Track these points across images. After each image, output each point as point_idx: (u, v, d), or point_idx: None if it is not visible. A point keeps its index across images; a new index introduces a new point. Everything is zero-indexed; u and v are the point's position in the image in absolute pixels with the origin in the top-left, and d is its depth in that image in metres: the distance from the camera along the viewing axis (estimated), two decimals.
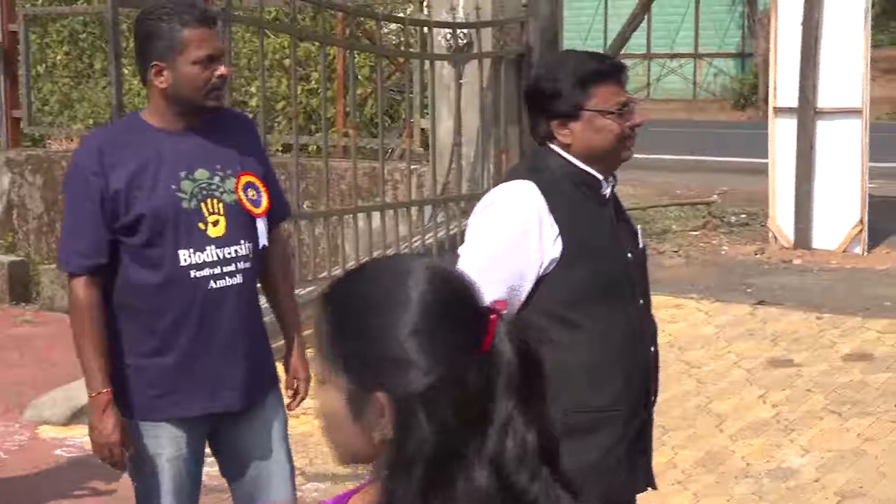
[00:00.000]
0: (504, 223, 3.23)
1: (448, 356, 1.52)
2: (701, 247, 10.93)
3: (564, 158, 3.28)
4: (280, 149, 11.74)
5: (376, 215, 9.11)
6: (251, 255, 3.75)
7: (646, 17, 29.71)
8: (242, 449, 3.85)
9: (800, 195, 10.72)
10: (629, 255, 3.34)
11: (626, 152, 3.31)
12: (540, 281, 3.20)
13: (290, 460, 3.95)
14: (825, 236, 10.63)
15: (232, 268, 3.68)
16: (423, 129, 10.53)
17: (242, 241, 3.71)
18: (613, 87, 3.25)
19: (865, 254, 10.45)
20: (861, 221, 10.54)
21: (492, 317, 1.55)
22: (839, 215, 10.60)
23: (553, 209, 3.19)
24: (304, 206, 9.77)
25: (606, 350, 3.23)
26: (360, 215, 9.17)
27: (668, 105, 29.22)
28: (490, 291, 3.13)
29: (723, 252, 10.76)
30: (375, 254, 8.99)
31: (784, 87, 10.94)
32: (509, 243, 3.20)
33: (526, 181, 3.25)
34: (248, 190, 3.73)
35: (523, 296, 3.20)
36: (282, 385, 4.00)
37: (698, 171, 16.25)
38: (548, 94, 3.27)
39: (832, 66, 10.69)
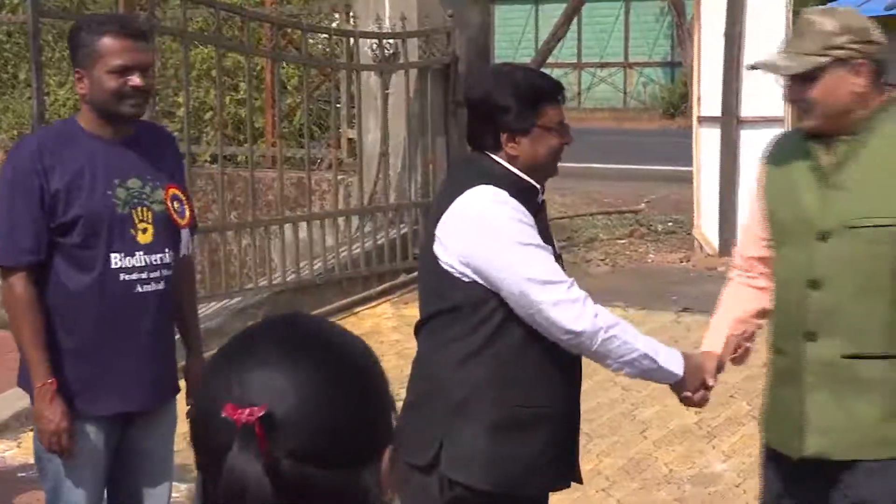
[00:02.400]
0: (517, 217, 3.32)
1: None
2: (628, 255, 11.01)
3: (505, 167, 3.39)
4: (208, 159, 11.70)
5: (304, 226, 9.09)
6: (173, 264, 3.92)
7: (576, 26, 30.00)
8: (145, 449, 3.98)
9: (724, 204, 10.83)
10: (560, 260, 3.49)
11: (556, 167, 3.47)
12: None
13: (173, 467, 4.14)
14: None
15: (157, 274, 3.85)
16: (350, 140, 10.53)
17: (167, 250, 3.88)
18: (557, 105, 3.41)
19: None
20: None
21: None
22: None
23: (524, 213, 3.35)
24: (232, 216, 9.75)
25: (551, 350, 3.34)
26: (288, 226, 9.15)
27: (599, 114, 29.44)
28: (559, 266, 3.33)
29: (649, 260, 10.86)
30: (302, 264, 8.98)
31: (708, 96, 11.06)
32: (532, 229, 3.33)
33: (486, 186, 3.34)
34: (175, 201, 3.92)
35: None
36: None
37: (627, 180, 16.37)
38: (500, 108, 3.37)
39: (755, 75, 10.80)
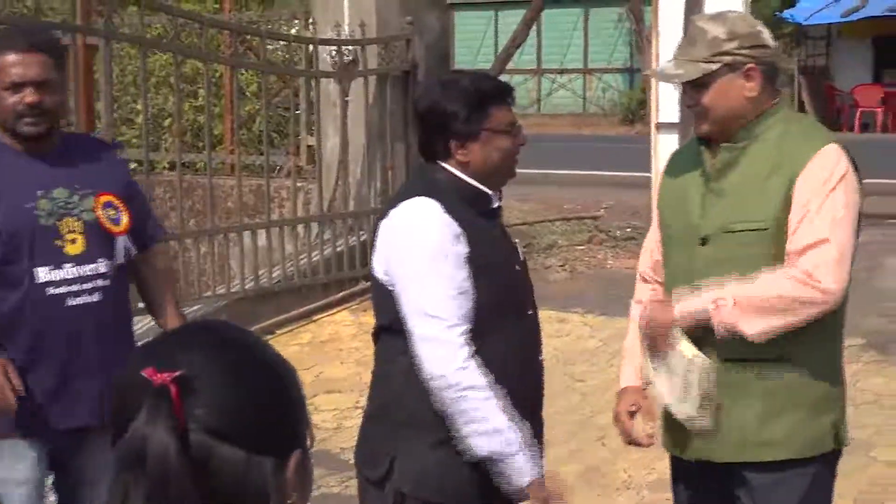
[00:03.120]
0: (433, 240, 3.26)
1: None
2: (586, 261, 11.04)
3: (456, 175, 3.34)
4: (167, 166, 11.66)
5: (263, 233, 9.07)
6: (110, 274, 3.77)
7: (536, 33, 30.08)
8: (89, 466, 3.82)
9: None
10: (517, 267, 3.44)
11: (513, 173, 3.45)
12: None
13: None
14: None
15: (90, 285, 3.71)
16: (309, 147, 10.52)
17: (101, 259, 3.74)
18: (506, 107, 3.37)
19: None
20: None
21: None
22: None
23: (460, 224, 3.27)
24: (191, 223, 9.71)
25: (503, 360, 3.29)
26: (247, 233, 9.12)
27: (558, 120, 29.54)
28: (455, 309, 3.21)
29: (608, 266, 10.89)
30: (261, 272, 8.96)
31: (666, 102, 11.12)
32: (442, 258, 3.24)
33: (426, 199, 3.30)
34: (108, 209, 3.78)
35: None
36: None
37: (586, 186, 16.41)
38: (448, 115, 3.34)
39: None
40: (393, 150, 9.76)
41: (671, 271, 3.49)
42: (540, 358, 3.49)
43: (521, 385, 3.36)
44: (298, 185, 9.67)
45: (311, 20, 10.12)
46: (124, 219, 3.82)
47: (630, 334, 3.75)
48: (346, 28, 9.57)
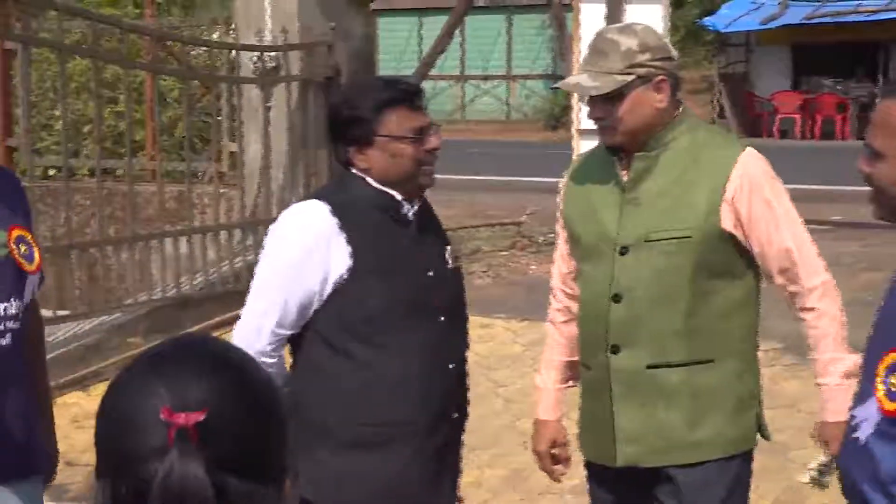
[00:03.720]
0: (288, 244, 3.32)
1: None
2: (510, 266, 11.09)
3: (365, 181, 3.33)
4: (87, 173, 11.53)
5: (185, 240, 9.01)
6: (20, 315, 3.26)
7: (460, 38, 30.15)
8: None
9: None
10: (430, 273, 3.39)
11: (424, 178, 3.37)
12: (333, 298, 3.29)
13: None
14: None
15: (1, 327, 3.20)
16: (232, 153, 10.46)
17: (12, 299, 3.23)
18: (407, 112, 3.30)
19: None
20: None
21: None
22: None
23: (344, 229, 3.26)
24: (111, 230, 9.62)
25: (403, 367, 3.30)
26: (168, 240, 9.05)
27: (482, 126, 29.64)
28: (280, 311, 3.25)
29: (531, 271, 10.94)
30: (183, 279, 8.89)
31: (587, 109, 11.19)
32: (293, 263, 3.28)
33: (317, 201, 3.34)
34: (20, 244, 3.28)
35: (311, 312, 3.31)
36: None
37: (510, 192, 16.47)
38: (345, 121, 3.32)
39: None
40: (316, 156, 9.74)
41: (588, 283, 3.49)
42: (451, 366, 3.43)
43: (426, 390, 3.34)
44: (221, 191, 9.62)
45: (232, 26, 10.07)
46: (36, 256, 3.33)
47: (545, 364, 3.77)
48: (268, 34, 9.54)
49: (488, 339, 8.41)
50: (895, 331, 2.59)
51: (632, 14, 10.95)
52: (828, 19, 25.04)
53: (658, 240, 3.34)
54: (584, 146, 11.19)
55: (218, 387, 1.46)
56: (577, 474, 6.24)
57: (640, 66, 3.32)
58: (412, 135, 3.29)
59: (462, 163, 18.33)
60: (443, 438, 3.42)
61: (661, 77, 3.35)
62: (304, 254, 3.27)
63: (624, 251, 3.38)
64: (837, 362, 3.36)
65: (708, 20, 27.09)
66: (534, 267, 11.11)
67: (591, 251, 3.47)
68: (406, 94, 3.32)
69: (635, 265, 3.37)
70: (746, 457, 3.53)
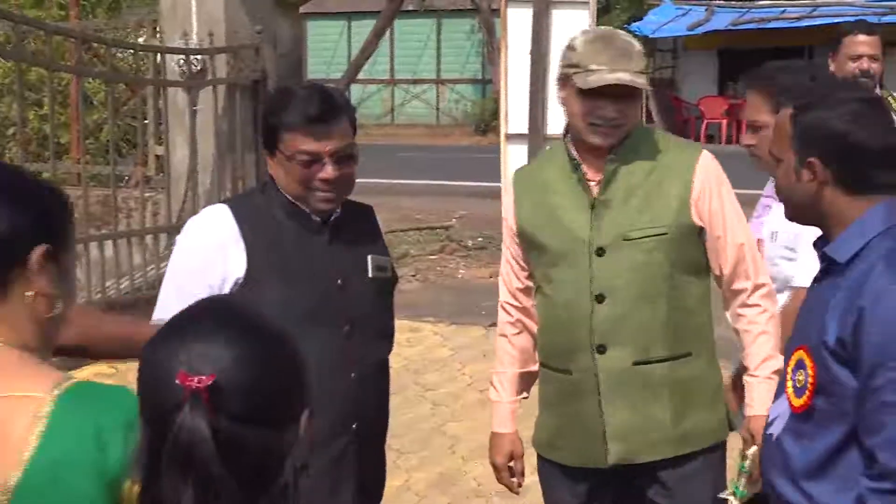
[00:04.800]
0: (188, 247, 3.36)
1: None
2: (438, 270, 11.11)
3: (275, 186, 3.33)
4: None
5: (110, 244, 8.92)
6: None
7: (389, 43, 30.14)
8: None
9: None
10: (339, 282, 3.35)
11: (316, 203, 3.31)
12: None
13: None
14: None
15: None
16: (158, 156, 10.38)
17: None
18: (304, 137, 3.23)
19: None
20: None
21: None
22: None
23: (244, 234, 3.27)
24: None
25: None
26: (93, 244, 8.95)
27: (412, 130, 29.66)
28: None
29: (459, 275, 10.97)
30: (109, 283, 8.80)
31: (515, 114, 11.24)
32: (191, 269, 3.31)
33: (221, 206, 3.40)
34: None
35: None
36: None
37: (439, 195, 16.51)
38: (264, 127, 3.33)
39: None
40: (243, 160, 9.69)
41: (562, 288, 3.49)
42: (351, 375, 3.36)
43: (327, 399, 3.23)
44: (147, 195, 9.54)
45: (158, 28, 10.00)
46: None
47: (498, 378, 3.76)
48: (195, 37, 9.47)
49: (417, 343, 8.42)
50: (807, 329, 2.67)
51: (559, 19, 11.01)
52: (753, 25, 25.31)
53: (636, 238, 3.39)
54: (511, 151, 11.24)
55: (231, 349, 1.62)
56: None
57: (647, 68, 3.44)
58: (304, 159, 3.24)
59: (391, 167, 18.32)
60: (339, 450, 3.35)
61: None
62: (201, 259, 3.29)
63: (601, 252, 3.41)
64: (772, 359, 3.43)
65: (636, 26, 27.26)
66: (462, 271, 11.14)
67: (561, 256, 3.47)
68: (306, 120, 3.23)
69: (615, 264, 3.40)
70: (723, 446, 3.62)
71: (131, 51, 10.23)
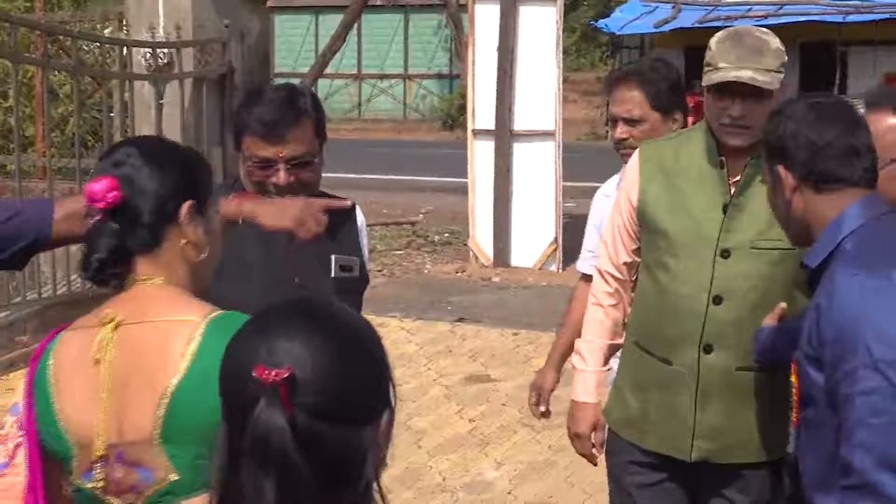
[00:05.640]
0: None
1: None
2: (405, 266, 11.12)
3: (238, 180, 3.37)
4: None
5: None
6: None
7: (357, 38, 30.10)
8: None
9: (498, 215, 11.04)
10: (297, 280, 3.34)
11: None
12: None
13: None
14: (523, 254, 10.99)
15: None
16: None
17: None
18: (259, 141, 3.25)
19: (560, 271, 10.86)
20: (556, 240, 10.94)
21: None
22: (535, 234, 10.98)
23: None
24: None
25: None
26: None
27: (379, 125, 29.64)
28: None
29: (426, 271, 10.98)
30: (74, 277, 8.77)
31: (482, 109, 11.27)
32: None
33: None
34: None
35: None
36: None
37: (406, 191, 16.51)
38: (236, 122, 3.35)
39: (527, 90, 11.08)
40: (210, 153, 9.65)
41: (680, 279, 3.46)
42: None
43: None
44: None
45: (124, 21, 9.95)
46: None
47: (586, 345, 3.76)
48: (161, 30, 9.43)
49: (383, 338, 8.42)
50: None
51: (526, 15, 11.04)
52: (719, 23, 25.41)
53: (764, 248, 3.36)
54: (478, 146, 11.27)
55: (310, 345, 1.64)
56: (469, 472, 6.31)
57: (784, 66, 3.33)
58: (257, 164, 3.26)
59: (358, 162, 18.31)
60: None
61: (783, 81, 3.38)
62: None
63: (726, 254, 3.39)
64: None
65: (602, 22, 27.31)
66: (428, 266, 11.16)
67: (683, 249, 3.44)
68: (261, 126, 3.25)
69: (738, 269, 3.38)
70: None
71: (97, 43, 10.17)
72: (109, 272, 2.27)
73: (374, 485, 1.69)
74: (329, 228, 3.44)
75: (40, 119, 11.21)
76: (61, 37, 10.53)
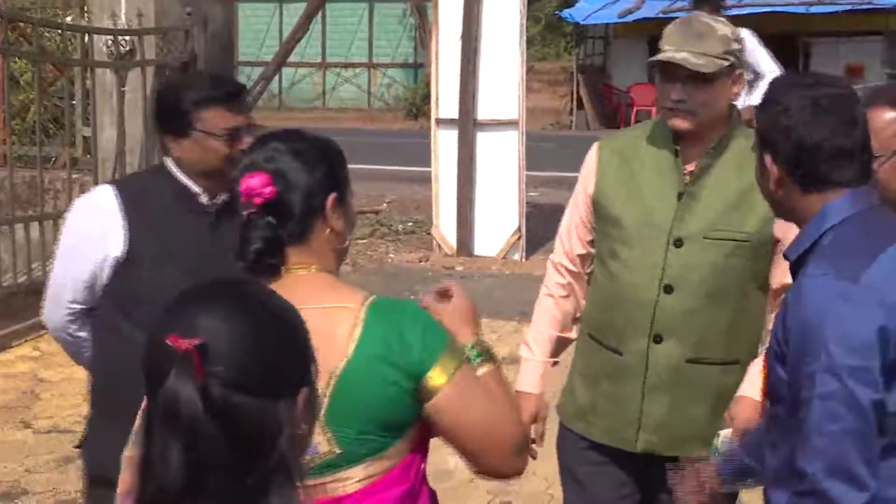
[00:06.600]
0: (72, 226, 3.51)
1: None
2: (368, 255, 11.11)
3: (167, 170, 3.46)
4: None
5: (36, 226, 8.83)
6: None
7: (321, 26, 30.01)
8: None
9: (462, 204, 11.05)
10: (219, 265, 3.40)
11: (229, 173, 3.45)
12: (112, 279, 3.42)
13: None
14: (486, 243, 11.00)
15: None
16: (86, 138, 10.28)
17: None
18: (224, 112, 3.38)
19: (523, 260, 10.88)
20: (519, 229, 10.96)
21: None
22: (499, 223, 10.99)
23: (127, 214, 3.39)
24: None
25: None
26: (19, 226, 8.85)
27: (343, 114, 29.55)
28: (69, 287, 3.44)
29: (389, 260, 10.98)
30: (35, 265, 8.72)
31: (446, 98, 11.26)
32: (72, 245, 3.47)
33: (106, 186, 3.54)
34: None
35: (98, 291, 3.46)
36: None
37: (370, 180, 16.46)
38: (165, 110, 3.45)
39: (491, 79, 11.08)
40: None
41: (631, 268, 3.44)
42: None
43: None
44: (74, 176, 9.45)
45: (86, 8, 9.89)
46: None
47: (534, 336, 3.74)
48: (123, 17, 9.39)
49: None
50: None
51: (490, 4, 11.04)
52: (683, 13, 25.50)
53: (717, 238, 3.33)
54: (442, 135, 11.27)
55: (227, 319, 1.67)
56: (431, 462, 6.30)
57: (732, 54, 3.30)
58: (226, 134, 3.38)
59: None
60: None
61: (740, 70, 3.35)
62: (82, 236, 3.44)
63: (679, 243, 3.36)
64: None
65: (567, 12, 27.38)
66: (392, 255, 11.15)
67: (635, 236, 3.41)
68: (226, 96, 3.41)
69: (691, 259, 3.35)
70: None
71: (58, 30, 10.09)
72: (266, 262, 2.42)
73: (297, 473, 1.71)
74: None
75: (1, 106, 11.13)
76: (22, 24, 10.45)
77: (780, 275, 3.36)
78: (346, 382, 2.31)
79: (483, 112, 11.08)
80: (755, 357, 3.47)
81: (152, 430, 1.64)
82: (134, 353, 3.38)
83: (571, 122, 27.08)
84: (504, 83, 11.02)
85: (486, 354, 2.54)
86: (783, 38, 26.08)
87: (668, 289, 3.37)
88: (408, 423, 2.39)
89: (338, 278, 2.49)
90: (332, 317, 2.34)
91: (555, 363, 3.75)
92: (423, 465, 2.50)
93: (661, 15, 25.44)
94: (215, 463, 1.62)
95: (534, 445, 3.67)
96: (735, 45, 3.33)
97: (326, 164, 2.48)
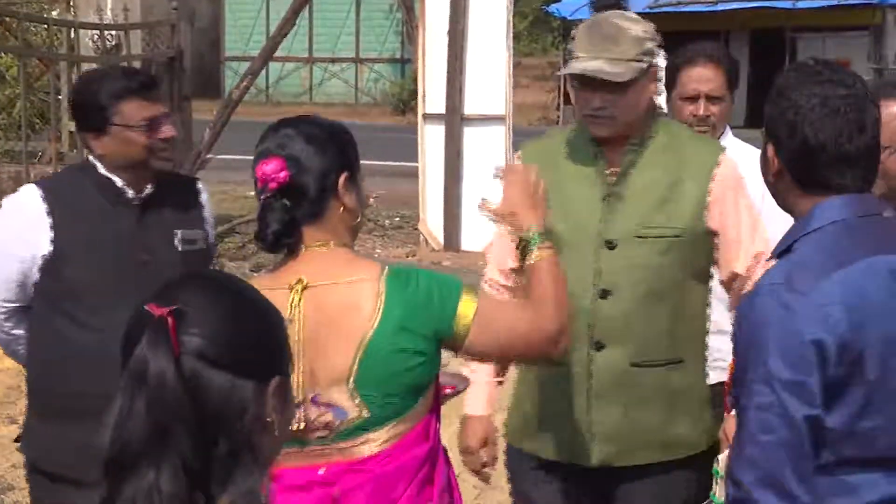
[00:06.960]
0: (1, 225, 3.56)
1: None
2: (355, 250, 11.09)
3: (91, 166, 3.50)
4: None
5: None
6: None
7: (308, 21, 29.96)
8: None
9: (449, 199, 11.05)
10: (145, 257, 3.47)
11: (158, 162, 3.51)
12: (42, 276, 3.46)
13: None
14: (473, 238, 11.00)
15: None
16: (72, 133, 10.25)
17: None
18: (140, 102, 3.43)
19: None
20: None
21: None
22: (486, 218, 10.98)
23: (51, 211, 3.44)
24: None
25: (100, 342, 3.28)
26: None
27: (331, 109, 29.47)
28: (3, 286, 3.48)
29: (376, 255, 10.98)
30: None
31: (433, 93, 11.26)
32: (1, 244, 3.50)
33: (31, 185, 3.58)
34: None
35: (29, 289, 3.50)
36: None
37: None
38: (81, 109, 3.49)
39: (478, 74, 11.09)
40: None
41: (569, 276, 3.20)
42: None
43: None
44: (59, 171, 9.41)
45: (72, 3, 9.87)
46: None
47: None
48: (109, 12, 9.37)
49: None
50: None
51: (476, 0, 11.04)
52: (670, 9, 25.53)
53: (649, 236, 3.26)
54: (429, 131, 11.27)
55: (205, 295, 1.74)
56: None
57: (648, 53, 3.22)
58: (145, 124, 3.42)
59: None
60: None
61: (654, 66, 3.27)
62: (10, 235, 3.49)
63: (610, 245, 3.27)
64: None
65: (553, 7, 27.39)
66: (379, 250, 11.16)
67: (566, 244, 3.19)
68: (141, 86, 3.46)
69: (624, 260, 3.26)
70: (708, 454, 3.37)
71: (44, 25, 10.07)
72: (284, 242, 2.59)
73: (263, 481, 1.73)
74: (174, 203, 3.60)
75: None
76: (8, 18, 10.41)
77: (727, 264, 3.34)
78: (374, 349, 2.52)
79: (470, 107, 11.09)
80: (700, 353, 3.44)
81: (122, 391, 1.67)
82: (66, 349, 3.45)
83: (558, 117, 27.09)
84: (491, 78, 11.02)
85: (547, 236, 2.78)
86: (769, 33, 26.15)
87: (605, 294, 3.28)
88: (427, 385, 2.63)
89: (355, 252, 2.67)
90: (357, 289, 2.54)
91: (500, 383, 3.58)
92: (438, 425, 2.69)
93: (647, 10, 25.48)
94: (178, 429, 1.64)
95: (486, 469, 3.53)
96: (649, 45, 3.23)
97: (336, 145, 2.64)
